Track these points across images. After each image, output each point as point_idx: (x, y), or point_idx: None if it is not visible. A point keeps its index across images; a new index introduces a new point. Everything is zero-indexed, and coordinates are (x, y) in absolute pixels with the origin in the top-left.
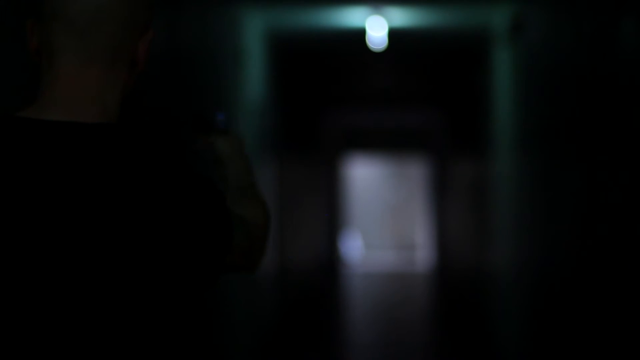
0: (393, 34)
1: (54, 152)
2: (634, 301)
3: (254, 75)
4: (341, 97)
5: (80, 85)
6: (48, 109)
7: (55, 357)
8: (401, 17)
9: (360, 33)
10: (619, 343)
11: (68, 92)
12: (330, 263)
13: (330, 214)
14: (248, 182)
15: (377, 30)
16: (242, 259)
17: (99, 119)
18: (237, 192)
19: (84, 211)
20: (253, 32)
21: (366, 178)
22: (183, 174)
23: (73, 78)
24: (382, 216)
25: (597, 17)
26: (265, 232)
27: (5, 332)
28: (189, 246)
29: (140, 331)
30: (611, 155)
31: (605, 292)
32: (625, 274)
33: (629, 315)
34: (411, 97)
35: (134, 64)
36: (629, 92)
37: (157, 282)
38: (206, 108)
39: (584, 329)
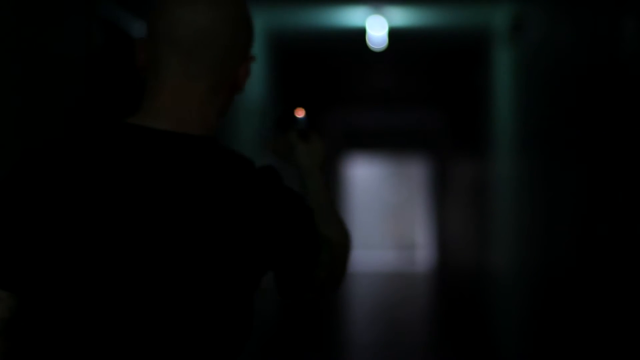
0: (393, 33)
1: (159, 158)
2: (634, 301)
3: (254, 75)
4: (341, 97)
5: (182, 99)
6: (153, 118)
7: (135, 342)
8: (401, 16)
9: (361, 33)
10: (619, 343)
11: (171, 104)
12: None
13: None
14: (327, 198)
15: (377, 29)
16: (323, 277)
17: (199, 129)
18: (318, 210)
19: (179, 214)
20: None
21: (366, 178)
22: (274, 190)
23: (177, 92)
24: (382, 216)
25: (597, 16)
26: (347, 251)
27: (90, 315)
28: (276, 258)
29: (212, 328)
30: (611, 155)
31: (605, 292)
32: (625, 274)
33: (629, 315)
34: (411, 97)
35: (235, 86)
36: (630, 92)
37: (236, 287)
38: (288, 106)
39: (583, 329)
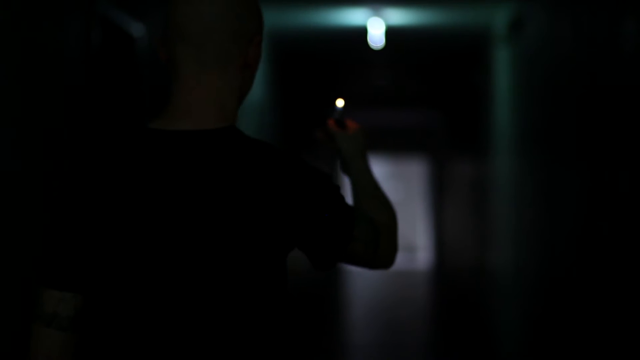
0: (392, 34)
1: (176, 157)
2: (634, 301)
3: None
4: (341, 97)
5: (199, 91)
6: (173, 116)
7: (170, 312)
8: (400, 17)
9: (360, 34)
10: (619, 343)
11: (190, 98)
12: None
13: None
14: (371, 181)
15: (376, 28)
16: (368, 252)
17: (217, 121)
18: (362, 193)
19: (203, 203)
20: None
21: None
22: (295, 169)
23: (193, 85)
24: None
25: (597, 16)
26: (394, 232)
27: (142, 303)
28: (304, 232)
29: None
30: (611, 155)
31: (606, 292)
32: (625, 273)
33: (629, 315)
34: (410, 97)
35: (247, 66)
36: (630, 92)
37: (267, 262)
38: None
39: (584, 329)
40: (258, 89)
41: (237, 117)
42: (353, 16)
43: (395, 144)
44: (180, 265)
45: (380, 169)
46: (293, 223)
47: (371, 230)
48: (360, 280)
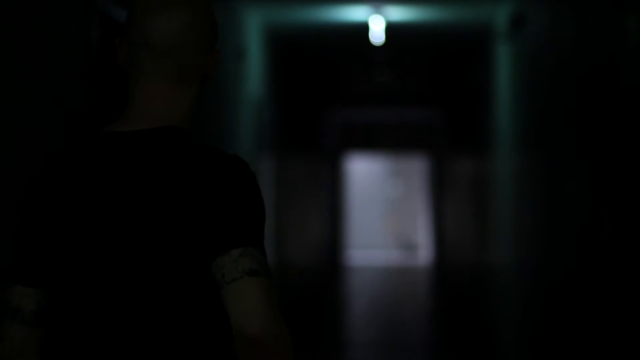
0: (393, 31)
1: (119, 158)
2: (634, 300)
3: (254, 72)
4: (341, 95)
5: (158, 100)
6: (128, 121)
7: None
8: (401, 14)
9: (361, 30)
10: (619, 342)
11: (148, 106)
12: (329, 260)
13: (330, 211)
14: None
15: (376, 25)
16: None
17: (173, 123)
18: None
19: (135, 201)
20: (253, 28)
21: (366, 176)
22: (219, 159)
23: (153, 95)
24: (382, 213)
25: (599, 13)
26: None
27: (90, 299)
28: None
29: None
30: (612, 152)
31: (605, 290)
32: (625, 271)
33: (629, 314)
34: (411, 94)
35: (205, 77)
36: (631, 89)
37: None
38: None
39: (583, 327)
40: (258, 86)
41: (190, 119)
42: (354, 13)
43: (396, 141)
44: (114, 263)
45: (380, 166)
46: (211, 223)
47: (273, 295)
48: (360, 278)
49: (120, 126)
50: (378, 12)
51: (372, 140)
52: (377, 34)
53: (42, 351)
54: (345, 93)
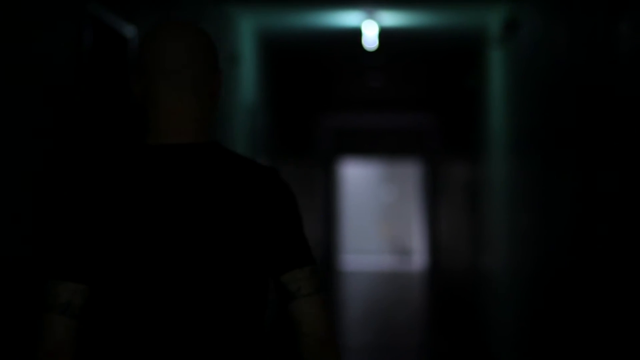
0: (387, 36)
1: (169, 169)
2: (630, 302)
3: (247, 77)
4: (335, 100)
5: (177, 115)
6: (160, 135)
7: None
8: (394, 19)
9: (354, 36)
10: (613, 345)
11: (170, 120)
12: (324, 265)
13: (324, 216)
14: None
15: (369, 30)
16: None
17: (197, 138)
18: None
19: (192, 209)
20: (246, 34)
21: (360, 181)
22: (260, 174)
23: (173, 110)
24: (376, 218)
25: (592, 18)
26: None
27: (142, 296)
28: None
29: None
30: (606, 157)
31: (600, 293)
32: (619, 275)
33: (624, 316)
34: (405, 100)
35: (213, 94)
36: (624, 94)
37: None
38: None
39: (578, 332)
40: (252, 91)
41: (209, 132)
42: (347, 18)
43: (390, 146)
44: (171, 267)
45: (374, 171)
46: (265, 232)
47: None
48: (354, 283)
49: (160, 139)
50: (371, 17)
51: (366, 145)
52: (370, 39)
53: (80, 344)
54: (338, 98)
